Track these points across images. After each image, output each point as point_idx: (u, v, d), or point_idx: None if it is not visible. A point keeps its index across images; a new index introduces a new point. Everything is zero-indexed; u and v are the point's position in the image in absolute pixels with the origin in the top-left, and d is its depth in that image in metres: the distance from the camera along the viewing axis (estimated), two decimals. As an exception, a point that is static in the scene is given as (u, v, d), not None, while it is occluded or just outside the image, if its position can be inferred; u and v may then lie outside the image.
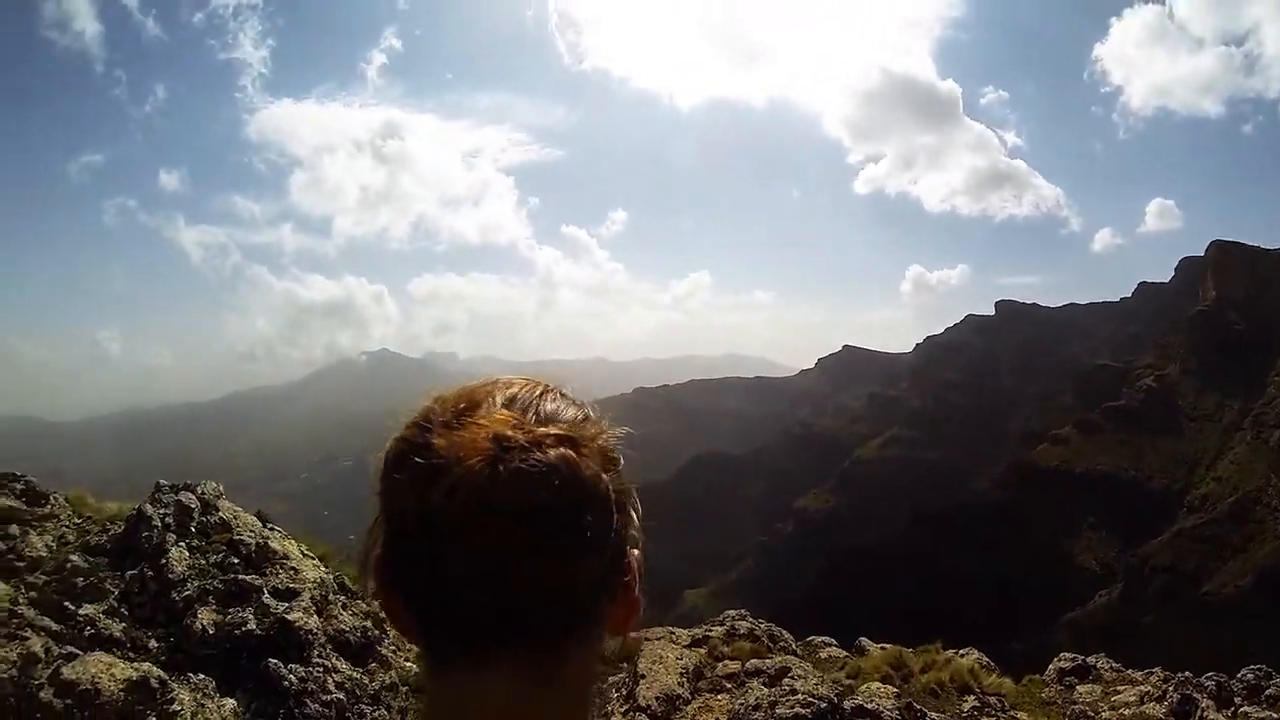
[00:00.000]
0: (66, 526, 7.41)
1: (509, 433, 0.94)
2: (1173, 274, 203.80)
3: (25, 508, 7.73)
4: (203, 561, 6.92)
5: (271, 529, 7.96)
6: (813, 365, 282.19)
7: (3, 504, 7.67)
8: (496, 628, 0.93)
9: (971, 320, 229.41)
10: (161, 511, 7.28)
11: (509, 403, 0.99)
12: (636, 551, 1.04)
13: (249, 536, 7.39)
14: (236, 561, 7.01)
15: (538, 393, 1.02)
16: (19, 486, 8.07)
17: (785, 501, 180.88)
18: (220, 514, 7.69)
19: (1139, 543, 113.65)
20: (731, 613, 10.56)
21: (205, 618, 6.17)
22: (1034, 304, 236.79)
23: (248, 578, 6.75)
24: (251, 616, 6.36)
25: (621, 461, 1.03)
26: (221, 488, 8.27)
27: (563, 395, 1.04)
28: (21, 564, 6.24)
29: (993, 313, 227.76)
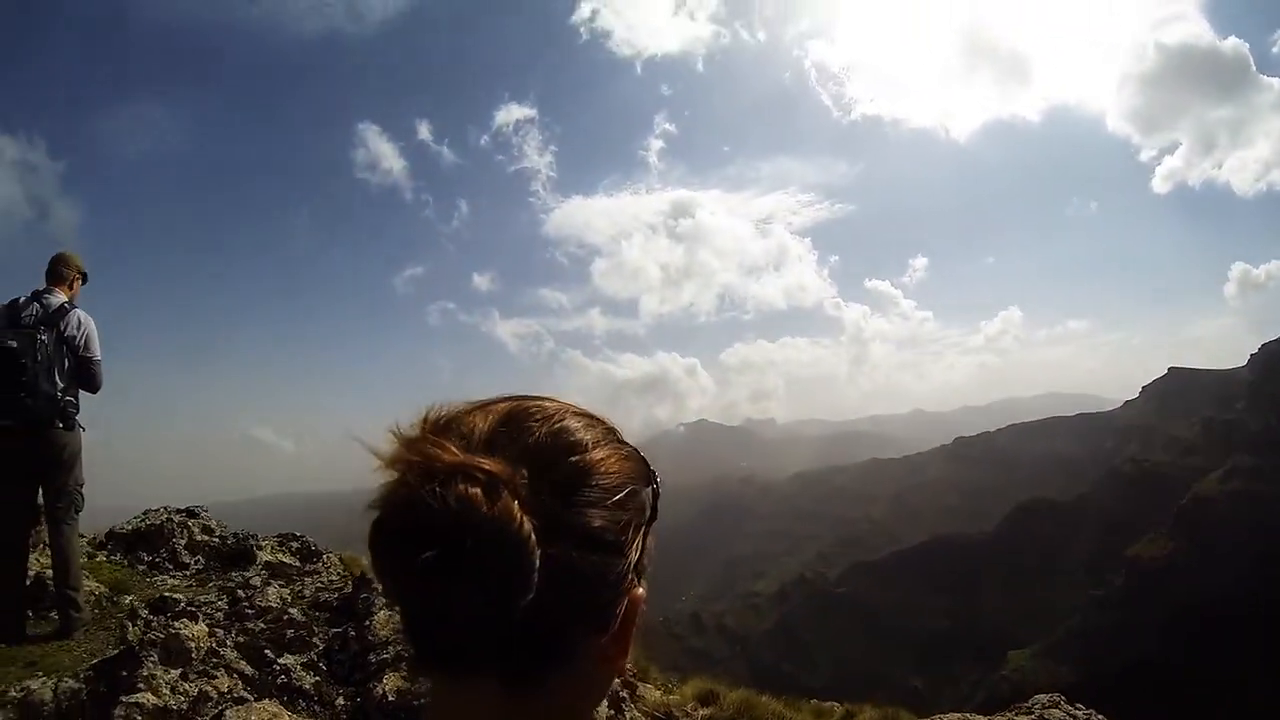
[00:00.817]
0: (320, 584, 8.27)
1: (435, 459, 0.90)
2: None
3: (297, 564, 8.69)
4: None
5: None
6: (1137, 394, 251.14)
7: (278, 559, 8.63)
8: (428, 650, 0.91)
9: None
10: (380, 575, 8.09)
11: (503, 421, 0.91)
12: (640, 590, 0.94)
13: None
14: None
15: (537, 417, 0.92)
16: (295, 545, 9.21)
17: (1116, 549, 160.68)
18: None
19: None
20: (1043, 697, 8.61)
21: (390, 683, 6.41)
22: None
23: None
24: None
25: (617, 496, 0.91)
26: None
27: (584, 416, 0.92)
28: (251, 611, 6.75)
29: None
